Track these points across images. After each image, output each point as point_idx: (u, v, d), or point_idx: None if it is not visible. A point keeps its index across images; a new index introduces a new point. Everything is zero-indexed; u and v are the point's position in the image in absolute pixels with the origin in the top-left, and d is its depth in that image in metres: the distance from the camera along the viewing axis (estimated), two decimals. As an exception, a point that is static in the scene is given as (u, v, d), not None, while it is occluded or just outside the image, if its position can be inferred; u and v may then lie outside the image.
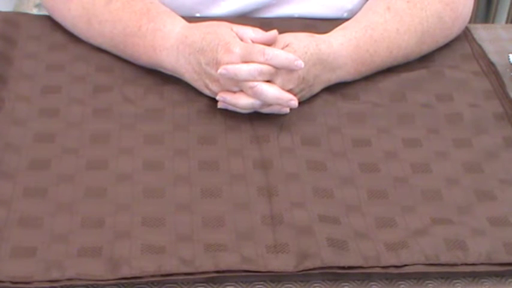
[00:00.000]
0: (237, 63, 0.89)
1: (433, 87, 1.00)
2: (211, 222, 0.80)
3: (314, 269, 0.76)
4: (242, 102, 0.91)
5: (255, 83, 0.89)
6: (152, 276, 0.74)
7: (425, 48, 1.04)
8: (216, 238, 0.78)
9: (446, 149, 0.91)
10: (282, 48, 0.92)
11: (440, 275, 0.77)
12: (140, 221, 0.80)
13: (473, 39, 1.09)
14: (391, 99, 0.98)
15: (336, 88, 0.99)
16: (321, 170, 0.87)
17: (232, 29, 0.93)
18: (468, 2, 1.07)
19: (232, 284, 0.76)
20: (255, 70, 0.88)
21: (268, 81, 0.90)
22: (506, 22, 1.88)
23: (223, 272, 0.75)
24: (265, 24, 1.04)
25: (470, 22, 1.10)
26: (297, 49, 0.92)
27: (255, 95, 0.90)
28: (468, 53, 1.07)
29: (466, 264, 0.77)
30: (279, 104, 0.91)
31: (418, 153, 0.90)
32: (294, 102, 0.90)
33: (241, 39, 0.92)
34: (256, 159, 0.88)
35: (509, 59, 1.04)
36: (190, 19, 0.99)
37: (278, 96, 0.90)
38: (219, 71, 0.89)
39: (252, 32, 0.93)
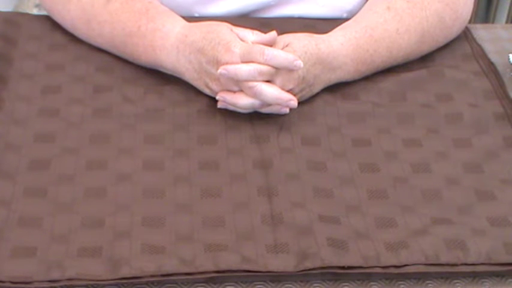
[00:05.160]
0: (237, 62, 0.89)
1: (433, 87, 1.00)
2: (211, 222, 0.80)
3: (314, 269, 0.76)
4: (242, 102, 0.91)
5: (255, 83, 0.89)
6: (152, 276, 0.74)
7: (425, 48, 1.04)
8: (216, 238, 0.78)
9: (446, 149, 0.91)
10: (282, 49, 0.92)
11: (440, 275, 0.77)
12: (140, 221, 0.80)
13: (473, 39, 1.09)
14: (391, 99, 0.98)
15: (336, 88, 0.99)
16: (321, 170, 0.87)
17: (232, 30, 0.93)
18: (468, 2, 1.07)
19: (232, 284, 0.76)
20: (255, 70, 0.88)
21: (268, 81, 0.90)
22: (506, 22, 1.88)
23: (223, 272, 0.75)
24: (265, 24, 1.05)
25: (470, 22, 1.10)
26: (296, 49, 0.92)
27: (254, 95, 0.90)
28: (468, 53, 1.07)
29: (466, 264, 0.77)
30: (279, 104, 0.91)
31: (418, 153, 0.90)
32: (294, 102, 0.90)
33: (242, 41, 0.92)
34: (256, 159, 0.88)
35: (509, 59, 1.04)
36: (189, 19, 0.99)
37: (277, 96, 0.90)
38: (219, 71, 0.89)
39: (251, 35, 0.93)
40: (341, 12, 1.11)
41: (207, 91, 0.95)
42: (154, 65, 0.99)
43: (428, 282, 0.77)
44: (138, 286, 0.75)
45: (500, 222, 0.82)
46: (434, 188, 0.86)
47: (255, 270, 0.75)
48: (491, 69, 1.03)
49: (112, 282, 0.74)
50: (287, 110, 0.93)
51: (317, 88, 0.97)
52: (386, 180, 0.87)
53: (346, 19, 1.02)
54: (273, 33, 0.93)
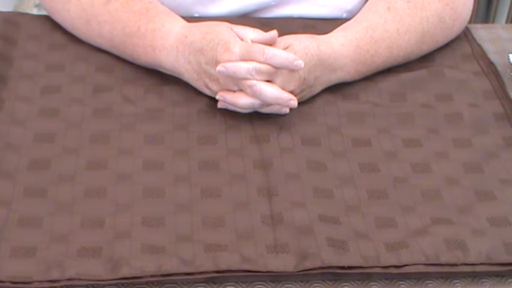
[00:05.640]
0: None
1: (433, 87, 1.00)
2: (211, 222, 0.80)
3: (314, 269, 0.76)
4: (242, 101, 0.91)
5: (254, 82, 0.89)
6: (152, 276, 0.74)
7: (426, 48, 1.04)
8: (216, 238, 0.78)
9: (446, 149, 0.91)
10: (283, 50, 0.92)
11: (440, 275, 0.77)
12: (140, 221, 0.80)
13: (473, 39, 1.09)
14: (391, 99, 0.98)
15: (336, 88, 0.99)
16: (321, 170, 0.87)
17: (232, 29, 0.93)
18: (468, 2, 1.07)
19: (232, 284, 0.76)
20: (254, 69, 0.88)
21: (268, 81, 0.90)
22: (506, 22, 1.88)
23: (223, 272, 0.75)
24: (265, 24, 1.04)
25: (470, 22, 1.10)
26: (297, 50, 0.92)
27: (254, 94, 0.90)
28: (468, 53, 1.07)
29: (466, 264, 0.77)
30: (279, 104, 0.91)
31: (418, 153, 0.90)
32: (294, 102, 0.90)
33: (241, 40, 0.92)
34: (256, 159, 0.88)
35: (509, 59, 1.04)
36: (189, 19, 0.99)
37: (277, 95, 0.90)
38: (217, 68, 0.89)
39: (252, 33, 0.93)
40: (341, 12, 1.11)
41: (206, 91, 0.95)
42: (154, 65, 0.99)
43: (428, 282, 0.77)
44: (138, 286, 0.75)
45: (500, 222, 0.82)
46: (434, 188, 0.86)
47: (255, 270, 0.75)
48: (491, 69, 1.03)
49: (112, 282, 0.74)
50: (287, 110, 0.93)
51: (317, 89, 0.97)
52: (386, 180, 0.87)
53: (346, 19, 1.02)
54: (274, 32, 0.93)
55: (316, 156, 0.89)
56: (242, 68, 0.88)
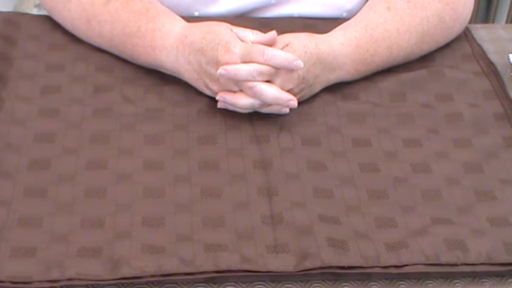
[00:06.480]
0: (237, 63, 0.89)
1: (433, 87, 1.00)
2: (211, 222, 0.80)
3: (314, 269, 0.76)
4: (242, 102, 0.91)
5: (255, 83, 0.89)
6: (152, 276, 0.75)
7: (426, 48, 1.04)
8: (216, 238, 0.78)
9: (446, 149, 0.91)
10: (282, 48, 0.92)
11: (440, 275, 0.77)
12: (140, 221, 0.80)
13: (473, 39, 1.09)
14: (391, 99, 0.98)
15: (336, 88, 0.99)
16: (321, 170, 0.87)
17: (232, 30, 0.93)
18: (468, 2, 1.07)
19: (232, 284, 0.76)
20: (255, 70, 0.88)
21: (268, 81, 0.90)
22: (506, 22, 1.88)
23: (223, 272, 0.75)
24: (265, 24, 1.05)
25: (470, 22, 1.10)
26: (296, 49, 0.92)
27: (254, 95, 0.90)
28: (468, 53, 1.07)
29: (466, 264, 0.77)
30: (279, 104, 0.91)
31: (418, 153, 0.90)
32: (294, 102, 0.90)
33: (241, 41, 0.92)
34: (256, 159, 0.88)
35: (509, 59, 1.04)
36: (189, 19, 0.99)
37: (277, 96, 0.90)
38: (218, 71, 0.89)
39: (251, 35, 0.93)
40: (341, 12, 1.11)
41: (206, 91, 0.95)
42: (154, 65, 0.99)
43: (428, 282, 0.77)
44: (138, 286, 0.75)
45: (500, 222, 0.82)
46: (434, 188, 0.86)
47: (255, 270, 0.75)
48: (491, 69, 1.03)
49: (112, 282, 0.74)
50: (287, 110, 0.93)
51: (317, 88, 0.97)
52: (386, 180, 0.87)
53: (346, 18, 1.02)
54: (273, 33, 0.93)
55: (316, 156, 0.89)
56: (243, 70, 0.88)
